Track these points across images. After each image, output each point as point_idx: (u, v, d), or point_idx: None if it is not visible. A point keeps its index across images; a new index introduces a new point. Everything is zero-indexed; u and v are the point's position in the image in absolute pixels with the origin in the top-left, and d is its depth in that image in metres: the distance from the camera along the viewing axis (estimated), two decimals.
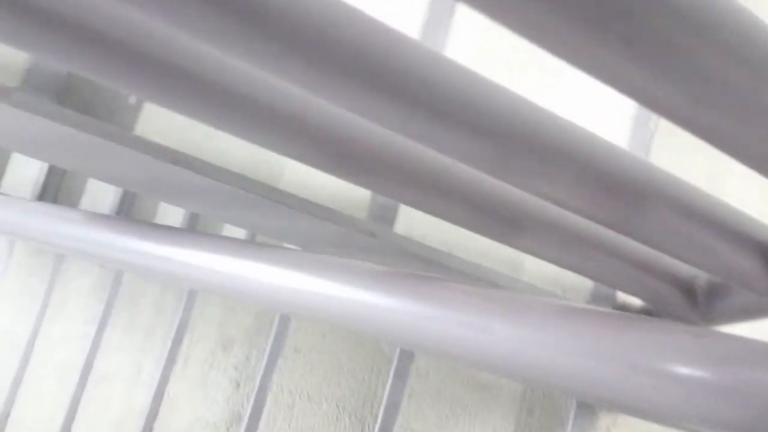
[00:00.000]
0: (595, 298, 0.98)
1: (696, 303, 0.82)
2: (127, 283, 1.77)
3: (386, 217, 0.92)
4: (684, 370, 0.46)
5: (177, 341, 1.63)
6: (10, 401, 1.93)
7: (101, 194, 1.59)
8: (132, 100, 0.76)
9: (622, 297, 0.96)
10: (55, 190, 1.79)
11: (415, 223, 0.91)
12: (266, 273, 0.69)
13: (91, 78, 0.47)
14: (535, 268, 0.94)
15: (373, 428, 1.14)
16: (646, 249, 0.71)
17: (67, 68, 0.49)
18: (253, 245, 0.75)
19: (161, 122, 0.76)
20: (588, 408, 0.99)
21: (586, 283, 0.95)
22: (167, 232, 0.79)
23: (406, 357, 1.12)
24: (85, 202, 1.70)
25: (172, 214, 1.48)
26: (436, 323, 0.57)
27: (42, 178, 1.74)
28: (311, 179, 0.87)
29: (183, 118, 0.79)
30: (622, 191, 0.54)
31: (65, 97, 0.67)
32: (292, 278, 0.66)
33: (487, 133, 0.47)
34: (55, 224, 0.87)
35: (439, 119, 0.46)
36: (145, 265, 0.77)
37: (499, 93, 0.46)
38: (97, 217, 0.80)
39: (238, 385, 1.51)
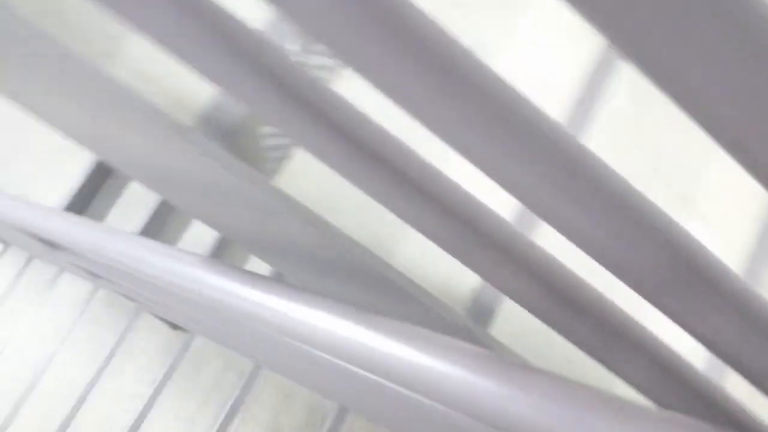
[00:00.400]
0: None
1: None
2: (193, 350, 1.80)
3: (483, 315, 0.93)
4: None
5: (229, 417, 1.62)
6: None
7: (201, 235, 1.65)
8: (279, 153, 0.82)
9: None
10: (159, 226, 1.88)
11: (511, 326, 0.91)
12: (369, 339, 0.70)
13: (281, 130, 0.53)
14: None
15: None
16: None
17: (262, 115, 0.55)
18: (354, 309, 0.77)
19: (303, 178, 0.81)
20: None
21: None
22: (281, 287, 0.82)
23: None
24: (186, 239, 1.77)
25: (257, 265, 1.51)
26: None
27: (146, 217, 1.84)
28: (419, 265, 0.90)
29: (321, 179, 0.84)
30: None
31: (231, 142, 0.74)
32: (395, 349, 0.68)
33: None
34: (168, 263, 0.92)
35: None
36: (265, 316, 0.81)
37: None
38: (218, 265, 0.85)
39: None
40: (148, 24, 0.55)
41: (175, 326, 1.82)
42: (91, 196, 2.11)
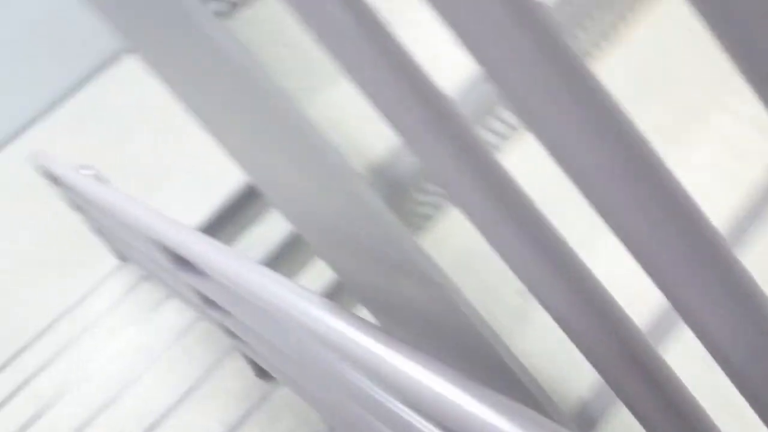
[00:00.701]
0: None
1: None
2: (272, 401, 1.81)
3: (587, 424, 0.89)
4: None
5: None
6: None
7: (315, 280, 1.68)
8: (428, 214, 0.84)
9: None
10: (279, 261, 1.96)
11: None
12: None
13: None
14: None
15: None
16: None
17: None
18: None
19: (445, 243, 0.84)
20: None
21: None
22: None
23: None
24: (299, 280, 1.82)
25: None
26: None
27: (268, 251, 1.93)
28: (537, 356, 0.89)
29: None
30: None
31: (389, 194, 0.77)
32: None
33: None
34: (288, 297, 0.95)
35: None
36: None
37: None
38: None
39: None
40: (357, 72, 0.60)
41: (261, 373, 1.84)
42: (225, 221, 2.24)
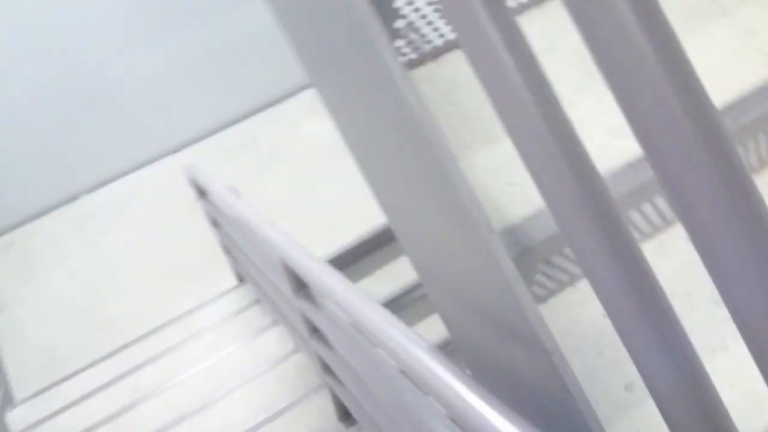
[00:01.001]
0: None
1: None
2: None
3: None
4: None
5: None
6: None
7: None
8: (553, 286, 0.86)
9: None
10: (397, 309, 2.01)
11: None
12: None
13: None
14: None
15: None
16: None
17: None
18: None
19: (565, 316, 0.85)
20: None
21: None
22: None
23: None
24: None
25: None
26: None
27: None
28: None
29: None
30: None
31: (519, 257, 0.80)
32: None
33: None
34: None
35: None
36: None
37: None
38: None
39: None
40: (521, 136, 0.65)
41: (344, 417, 1.87)
42: (355, 259, 2.35)
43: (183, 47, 3.61)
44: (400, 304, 2.06)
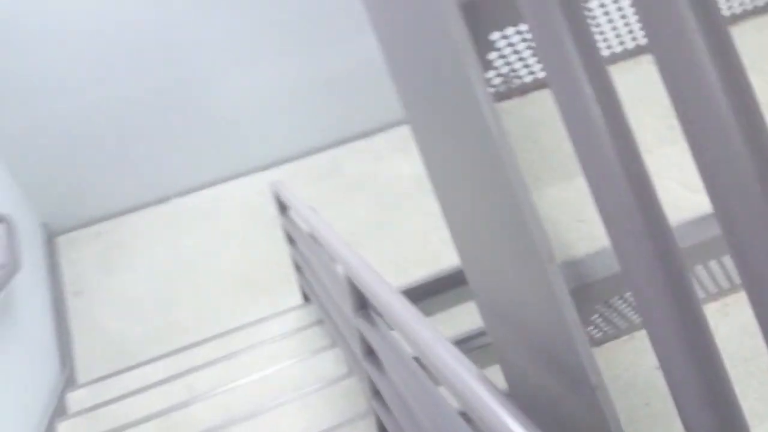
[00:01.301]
0: None
1: None
2: None
3: None
4: None
5: None
6: None
7: None
8: (609, 331, 0.86)
9: None
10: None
11: None
12: None
13: None
14: None
15: None
16: None
17: None
18: None
19: (617, 364, 0.84)
20: None
21: None
22: None
23: None
24: None
25: None
26: None
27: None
28: None
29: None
30: None
31: (577, 293, 0.81)
32: None
33: None
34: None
35: None
36: None
37: None
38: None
39: None
40: (595, 178, 0.66)
41: None
42: (421, 297, 2.39)
43: (286, 72, 3.78)
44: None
